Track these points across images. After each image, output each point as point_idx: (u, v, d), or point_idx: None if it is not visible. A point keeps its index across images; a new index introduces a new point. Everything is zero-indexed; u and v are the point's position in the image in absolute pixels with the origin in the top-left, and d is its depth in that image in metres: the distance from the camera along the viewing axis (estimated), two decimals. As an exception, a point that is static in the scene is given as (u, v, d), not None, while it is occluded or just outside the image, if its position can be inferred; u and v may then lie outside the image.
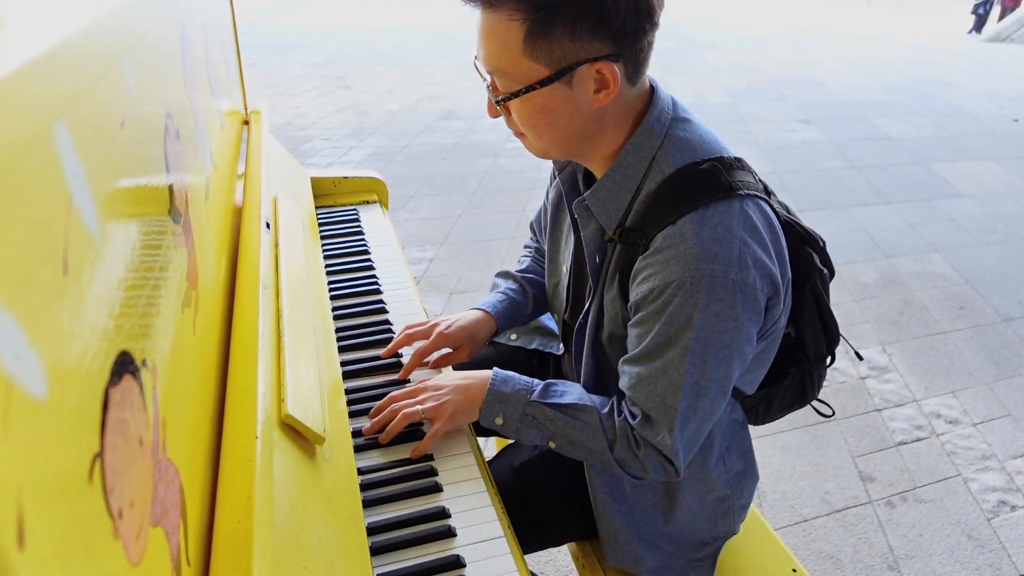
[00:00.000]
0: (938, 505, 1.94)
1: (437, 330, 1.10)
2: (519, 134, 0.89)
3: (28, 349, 0.27)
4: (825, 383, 2.61)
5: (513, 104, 0.83)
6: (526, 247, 1.32)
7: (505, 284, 1.23)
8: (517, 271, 1.25)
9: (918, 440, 2.19)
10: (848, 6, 17.34)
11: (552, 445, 0.95)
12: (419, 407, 0.95)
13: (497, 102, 0.84)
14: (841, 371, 2.52)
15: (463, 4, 0.81)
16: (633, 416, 0.90)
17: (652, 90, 0.89)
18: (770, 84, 7.51)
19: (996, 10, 13.12)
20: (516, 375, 0.98)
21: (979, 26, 13.06)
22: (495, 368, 0.98)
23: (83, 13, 0.38)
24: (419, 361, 1.09)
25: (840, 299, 3.00)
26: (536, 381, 0.97)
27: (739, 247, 0.79)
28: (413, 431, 0.98)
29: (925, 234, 3.74)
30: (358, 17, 11.86)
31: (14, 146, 0.27)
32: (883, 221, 3.88)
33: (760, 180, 0.90)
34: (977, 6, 12.97)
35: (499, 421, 0.95)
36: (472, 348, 1.13)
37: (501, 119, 0.89)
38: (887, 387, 2.45)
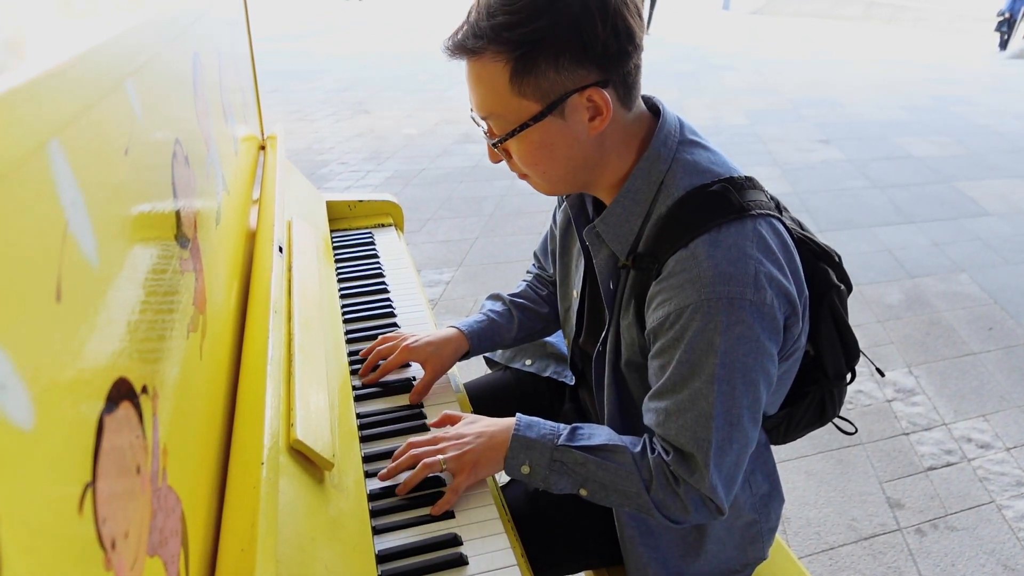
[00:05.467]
0: (971, 533, 1.87)
1: (403, 344, 1.13)
2: (523, 176, 0.89)
3: (14, 378, 0.27)
4: (850, 406, 2.53)
5: (511, 145, 0.84)
6: (527, 272, 1.31)
7: (490, 305, 1.23)
8: (509, 295, 1.24)
9: (948, 465, 2.13)
10: (867, 26, 17.30)
11: (583, 493, 0.90)
12: (440, 456, 0.91)
13: (494, 144, 0.84)
14: (866, 394, 2.46)
15: (449, 60, 0.82)
16: (666, 452, 0.86)
17: (658, 113, 0.88)
18: (789, 105, 7.48)
19: (1022, 26, 12.96)
20: (540, 420, 0.94)
21: (1004, 44, 12.92)
22: (518, 414, 0.94)
23: (84, 37, 0.39)
24: (383, 374, 1.13)
25: (864, 320, 2.95)
26: (562, 425, 0.93)
27: (754, 267, 0.78)
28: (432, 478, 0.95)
29: (951, 253, 3.67)
30: (378, 44, 12.08)
31: (3, 168, 0.27)
32: (907, 241, 3.82)
33: (772, 198, 0.89)
34: (1000, 23, 12.83)
35: (525, 470, 0.90)
36: (436, 364, 1.12)
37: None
38: (914, 410, 2.38)
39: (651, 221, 0.86)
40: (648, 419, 0.87)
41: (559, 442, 0.90)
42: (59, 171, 0.32)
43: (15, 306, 0.28)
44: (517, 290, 1.26)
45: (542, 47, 0.75)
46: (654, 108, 0.90)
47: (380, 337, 1.17)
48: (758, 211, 0.82)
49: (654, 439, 0.89)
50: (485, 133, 0.86)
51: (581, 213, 1.01)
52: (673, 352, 0.81)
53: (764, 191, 0.87)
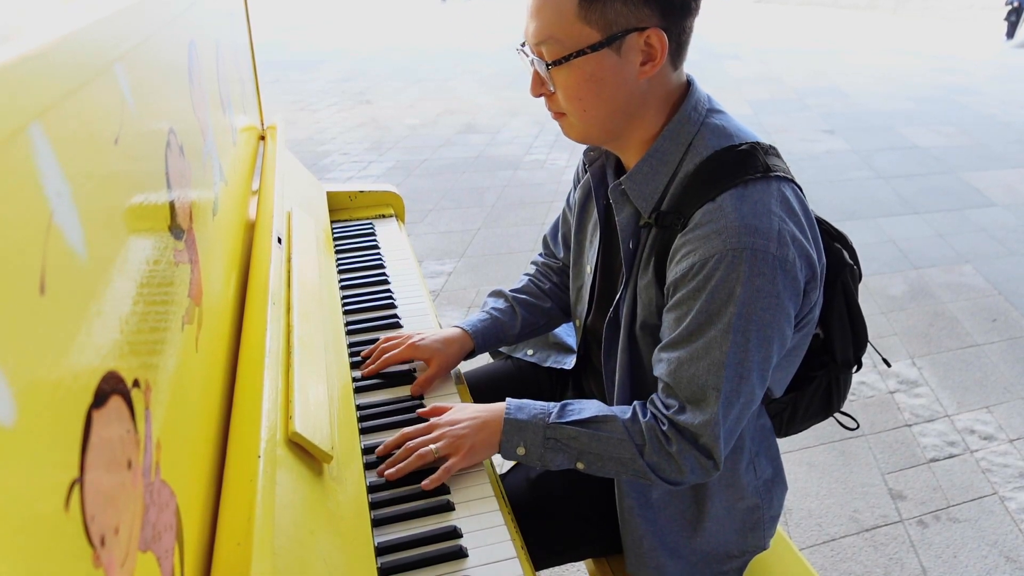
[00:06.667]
0: (973, 525, 1.87)
1: (409, 341, 1.13)
2: (559, 115, 0.90)
3: (-6, 373, 0.26)
4: (853, 397, 2.52)
5: (560, 75, 0.84)
6: (532, 264, 1.31)
7: (492, 303, 1.23)
8: (511, 290, 1.24)
9: (951, 457, 2.12)
10: (873, 15, 17.15)
11: (580, 466, 0.92)
12: (433, 446, 0.92)
13: (548, 66, 0.84)
14: (869, 385, 2.45)
15: None
16: (668, 407, 0.88)
17: (689, 84, 0.91)
18: (793, 95, 7.44)
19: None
20: (530, 401, 0.96)
21: (1012, 33, 12.78)
22: (507, 398, 0.96)
23: (68, 20, 0.38)
24: (385, 366, 1.12)
25: (868, 311, 2.92)
26: (551, 404, 0.95)
27: (778, 224, 0.80)
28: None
29: (956, 244, 3.65)
30: (380, 35, 12.02)
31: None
32: (911, 232, 3.80)
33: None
34: (1009, 13, 12.69)
35: (521, 451, 0.92)
36: (441, 361, 1.12)
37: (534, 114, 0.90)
38: (917, 401, 2.38)
39: (677, 179, 0.87)
40: (659, 369, 0.88)
41: (550, 420, 0.92)
42: (42, 159, 0.31)
43: (-6, 299, 0.27)
44: (518, 285, 1.26)
45: None
46: (687, 80, 0.92)
47: (384, 337, 1.17)
48: (782, 174, 0.84)
49: (652, 398, 0.91)
50: (532, 62, 0.86)
51: (602, 183, 1.02)
52: (693, 302, 0.82)
53: (784, 161, 0.89)
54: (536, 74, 0.88)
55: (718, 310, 0.81)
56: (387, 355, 1.12)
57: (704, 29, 13.38)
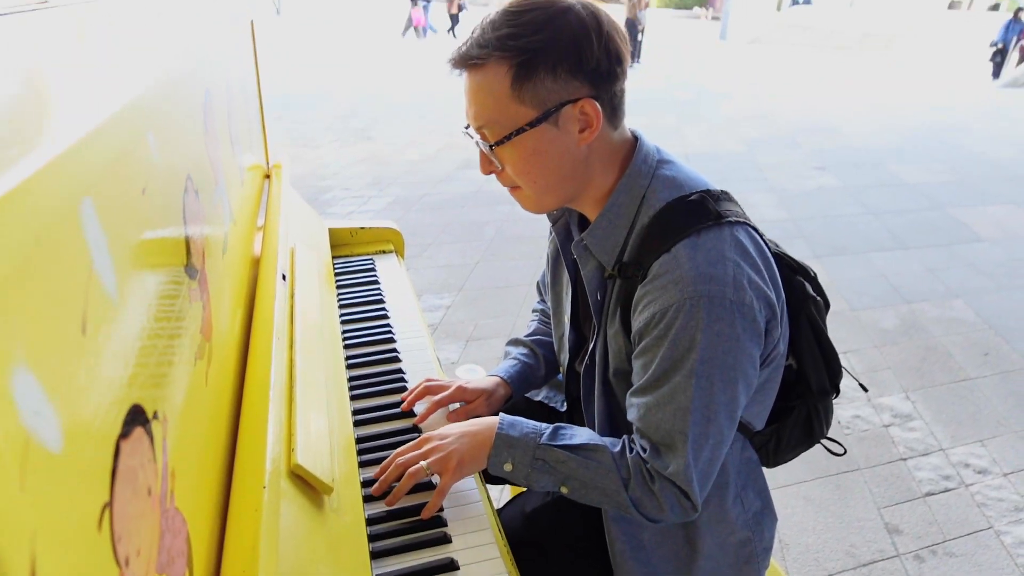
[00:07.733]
0: (970, 559, 1.87)
1: (457, 384, 1.15)
2: (513, 189, 0.94)
3: (46, 406, 0.30)
4: (847, 431, 2.52)
5: (506, 153, 0.88)
6: (533, 311, 1.36)
7: (516, 351, 1.26)
8: (525, 336, 1.29)
9: (946, 491, 2.13)
10: (863, 56, 17.55)
11: (564, 490, 0.94)
12: (423, 462, 0.94)
13: (492, 147, 0.88)
14: (863, 419, 2.47)
15: (450, 73, 0.89)
16: (644, 449, 0.90)
17: (636, 140, 0.95)
18: (785, 132, 7.57)
19: (1014, 56, 13.13)
20: (523, 419, 0.98)
21: (997, 73, 13.07)
22: (501, 413, 0.99)
23: (113, 97, 0.42)
24: (435, 409, 1.12)
25: (860, 345, 2.96)
26: (544, 425, 0.97)
27: (733, 269, 0.83)
28: (422, 483, 0.98)
29: (946, 279, 3.70)
30: (382, 74, 12.25)
31: (42, 227, 0.30)
32: (902, 267, 3.85)
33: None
34: (994, 54, 13.00)
35: (508, 467, 0.94)
36: (488, 401, 1.15)
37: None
38: (912, 435, 2.39)
39: (635, 231, 0.91)
40: (631, 414, 0.91)
41: (541, 441, 0.93)
42: (87, 220, 0.35)
43: (47, 340, 0.30)
44: (530, 330, 1.30)
45: (542, 56, 0.82)
46: (633, 136, 0.96)
47: (427, 379, 1.17)
48: (735, 219, 0.87)
49: (632, 439, 0.93)
50: (478, 143, 0.90)
51: (568, 239, 1.06)
52: (657, 350, 0.85)
53: (738, 205, 0.93)
54: (483, 154, 0.92)
55: (681, 356, 0.83)
56: (436, 398, 1.12)
57: (697, 69, 13.66)
